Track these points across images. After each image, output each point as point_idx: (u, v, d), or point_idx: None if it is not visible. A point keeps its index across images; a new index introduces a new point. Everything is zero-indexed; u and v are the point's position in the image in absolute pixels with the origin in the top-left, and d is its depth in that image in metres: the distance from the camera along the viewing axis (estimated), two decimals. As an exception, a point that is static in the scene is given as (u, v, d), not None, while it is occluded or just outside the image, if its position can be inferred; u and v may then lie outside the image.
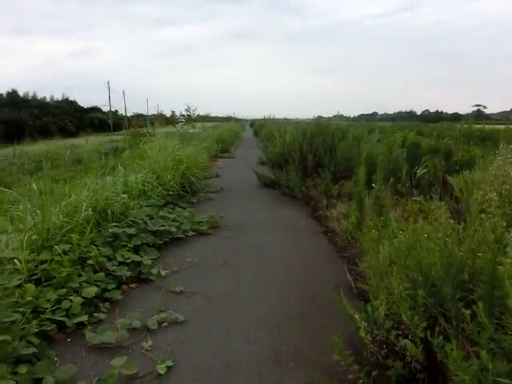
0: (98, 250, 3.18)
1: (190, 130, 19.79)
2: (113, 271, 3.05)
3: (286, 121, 22.26)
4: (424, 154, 6.80)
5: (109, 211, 3.89)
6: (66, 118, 56.51)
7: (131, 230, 3.70)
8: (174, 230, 4.28)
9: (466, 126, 6.55)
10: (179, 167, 6.55)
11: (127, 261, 3.29)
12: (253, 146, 18.49)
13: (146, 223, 4.12)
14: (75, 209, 3.62)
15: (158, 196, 5.53)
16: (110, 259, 3.20)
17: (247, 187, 7.85)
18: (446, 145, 5.55)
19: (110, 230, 3.63)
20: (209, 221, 4.91)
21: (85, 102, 60.43)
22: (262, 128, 24.04)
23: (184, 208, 5.66)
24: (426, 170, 6.00)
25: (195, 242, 4.30)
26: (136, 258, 3.38)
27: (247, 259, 3.84)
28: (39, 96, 60.45)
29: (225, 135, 17.89)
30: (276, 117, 22.84)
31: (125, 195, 4.29)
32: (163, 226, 4.25)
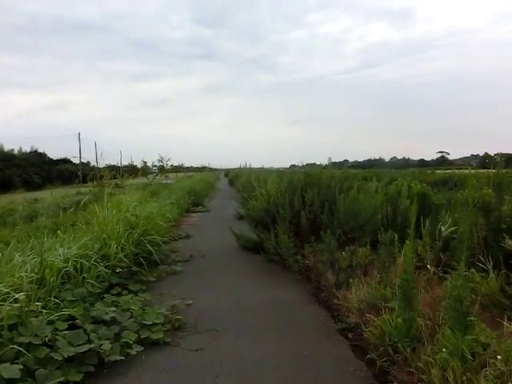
0: None
1: (164, 181, 18.53)
2: None
3: (263, 170, 21.21)
4: (436, 206, 5.56)
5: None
6: (32, 170, 53.99)
7: (13, 370, 2.02)
8: (106, 347, 2.61)
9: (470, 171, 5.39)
10: (133, 232, 4.93)
11: None
12: (229, 197, 17.06)
13: (54, 342, 2.45)
14: None
15: (97, 278, 3.88)
16: None
17: (224, 252, 6.27)
18: (487, 195, 4.27)
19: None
20: (168, 318, 3.26)
21: (57, 154, 58.05)
22: (238, 177, 22.86)
23: (135, 293, 3.99)
24: (453, 228, 4.69)
25: (140, 369, 2.62)
26: None
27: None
28: (6, 148, 57.79)
29: (198, 186, 16.45)
30: (252, 166, 21.82)
31: (22, 294, 2.62)
32: (88, 342, 2.58)
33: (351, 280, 3.82)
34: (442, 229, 4.70)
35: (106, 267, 4.14)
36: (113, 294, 3.88)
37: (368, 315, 3.06)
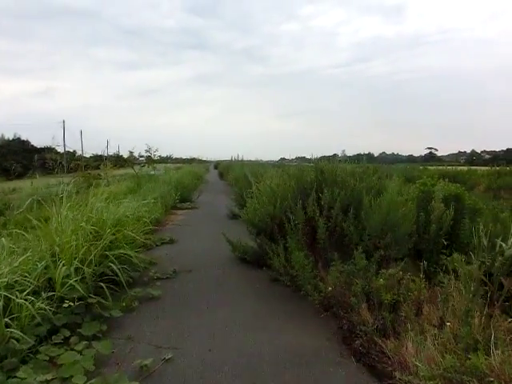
0: None
1: (151, 172, 17.40)
2: None
3: (256, 162, 19.98)
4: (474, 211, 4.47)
5: None
6: (13, 159, 51.64)
7: None
8: None
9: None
10: (96, 245, 3.66)
11: None
12: (219, 192, 15.80)
13: None
14: None
15: (32, 319, 2.63)
16: None
17: (216, 264, 5.04)
18: None
19: None
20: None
21: (42, 143, 55.30)
22: (229, 170, 21.56)
23: (88, 341, 2.74)
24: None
25: None
26: None
27: None
28: (-13, 135, 54.91)
29: (186, 179, 15.12)
30: (243, 158, 20.67)
31: None
32: None
33: (406, 330, 2.64)
34: (503, 245, 3.57)
35: (49, 299, 2.89)
36: (55, 344, 2.63)
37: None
